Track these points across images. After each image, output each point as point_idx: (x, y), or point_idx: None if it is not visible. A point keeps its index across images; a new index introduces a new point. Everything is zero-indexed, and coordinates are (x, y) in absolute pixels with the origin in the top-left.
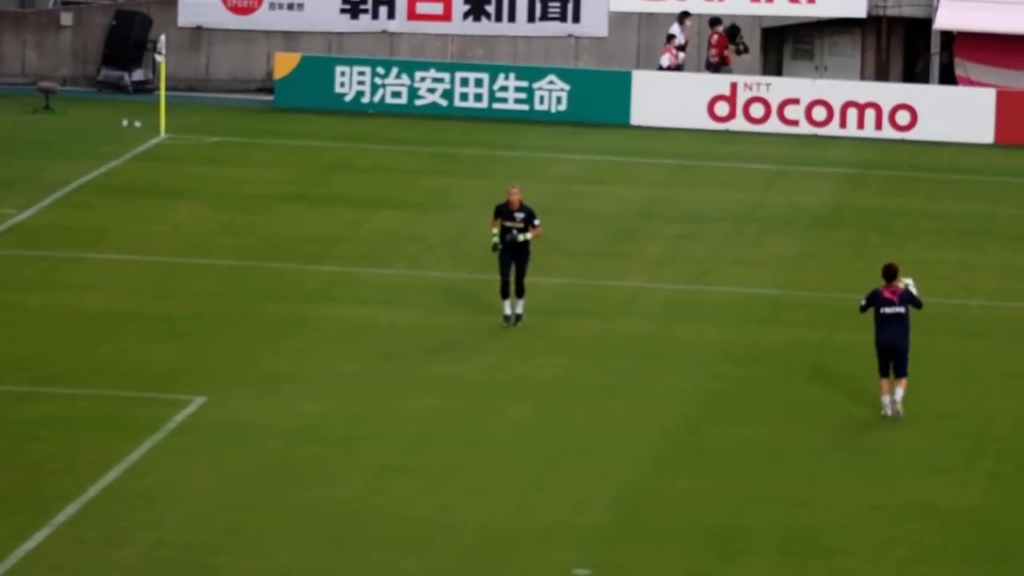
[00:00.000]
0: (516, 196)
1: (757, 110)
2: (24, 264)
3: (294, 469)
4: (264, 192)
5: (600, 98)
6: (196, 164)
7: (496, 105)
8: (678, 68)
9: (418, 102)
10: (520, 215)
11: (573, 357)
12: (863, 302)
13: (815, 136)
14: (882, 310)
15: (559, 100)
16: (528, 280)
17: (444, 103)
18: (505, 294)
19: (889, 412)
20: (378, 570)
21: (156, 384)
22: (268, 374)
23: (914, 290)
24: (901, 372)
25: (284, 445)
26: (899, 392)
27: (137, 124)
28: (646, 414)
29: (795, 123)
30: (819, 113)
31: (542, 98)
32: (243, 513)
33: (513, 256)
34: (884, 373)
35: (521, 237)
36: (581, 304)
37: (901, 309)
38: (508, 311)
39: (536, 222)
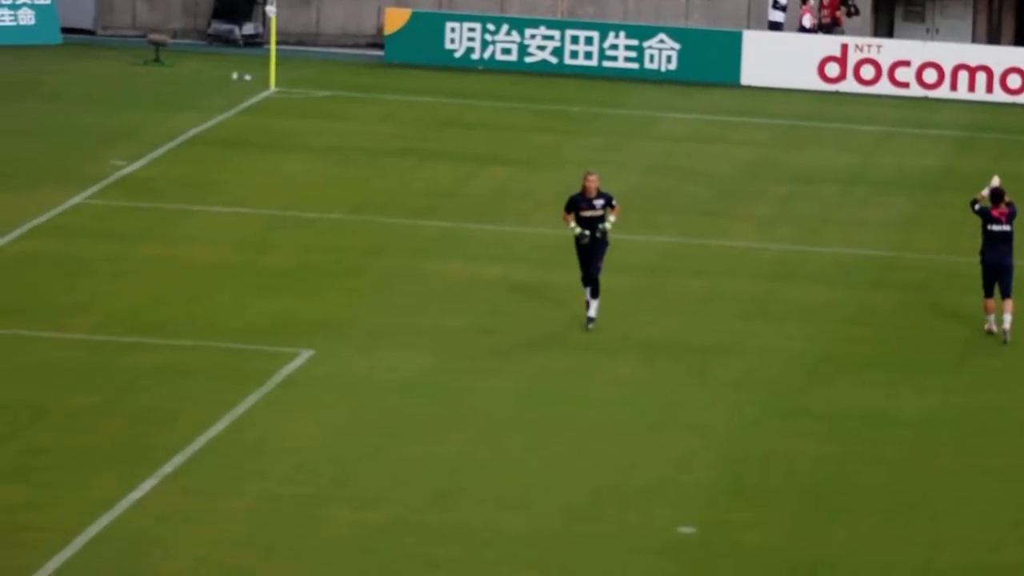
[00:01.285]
0: (594, 182)
1: (867, 72)
2: (132, 215)
3: (400, 423)
4: (373, 147)
5: (710, 58)
6: (305, 118)
7: (606, 63)
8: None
9: (528, 59)
10: (599, 202)
11: (679, 316)
12: (976, 207)
13: (925, 98)
14: (990, 227)
15: (669, 59)
16: (635, 238)
17: (554, 60)
18: (589, 283)
19: (995, 329)
20: (482, 525)
21: (263, 337)
22: (375, 328)
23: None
24: (1007, 292)
25: (390, 399)
26: (1007, 319)
27: (247, 77)
28: (752, 373)
29: (905, 85)
30: (930, 75)
31: (652, 57)
32: (349, 466)
33: (593, 250)
34: (989, 293)
35: (608, 225)
36: (688, 263)
37: (1008, 228)
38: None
39: (614, 203)
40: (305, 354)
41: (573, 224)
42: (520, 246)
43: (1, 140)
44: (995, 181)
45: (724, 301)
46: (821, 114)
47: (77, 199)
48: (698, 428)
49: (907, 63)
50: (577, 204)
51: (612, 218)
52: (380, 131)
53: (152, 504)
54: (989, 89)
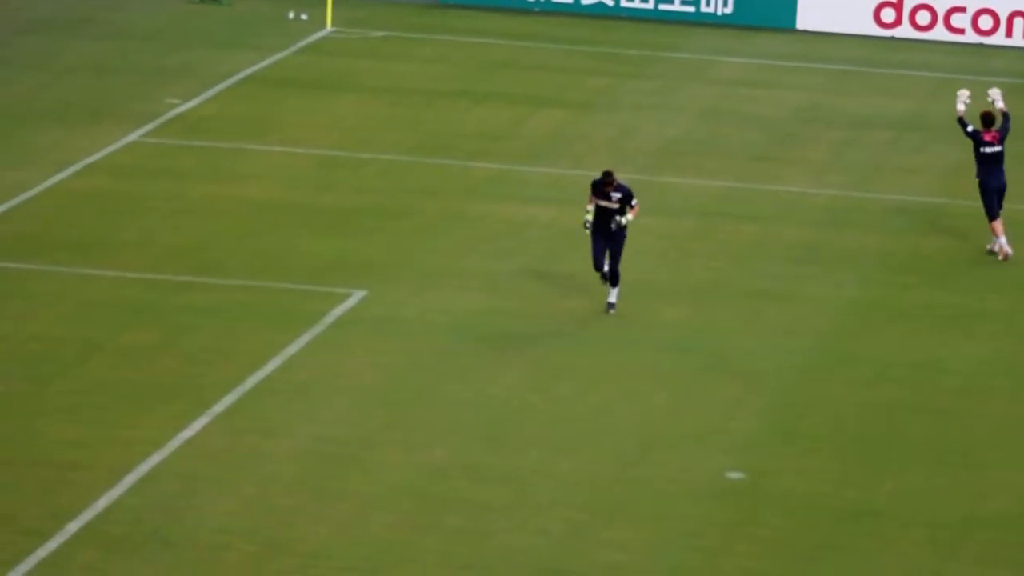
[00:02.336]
0: (611, 176)
1: (923, 17)
2: (187, 153)
3: (451, 365)
4: (428, 88)
5: (766, 2)
6: (361, 58)
7: (662, 6)
8: None
9: (584, 1)
10: (616, 195)
11: (730, 260)
12: (969, 128)
13: (981, 45)
14: (983, 150)
15: (725, 3)
16: (692, 183)
17: (610, 3)
18: (599, 268)
19: (1009, 251)
20: (532, 468)
21: (315, 277)
22: (427, 270)
23: (1000, 102)
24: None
25: (441, 341)
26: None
27: (304, 16)
28: (801, 320)
29: (961, 31)
30: (985, 22)
31: (709, 0)
32: (399, 408)
33: (607, 239)
34: (995, 215)
35: (624, 221)
36: (740, 207)
37: (1000, 148)
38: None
39: (633, 202)
40: (357, 295)
41: (590, 208)
42: (574, 189)
43: (58, 78)
44: (995, 97)
45: (775, 247)
46: (876, 60)
47: (132, 137)
48: (747, 374)
49: (963, 9)
50: (597, 188)
51: (630, 216)
52: (435, 72)
53: (203, 443)
54: None
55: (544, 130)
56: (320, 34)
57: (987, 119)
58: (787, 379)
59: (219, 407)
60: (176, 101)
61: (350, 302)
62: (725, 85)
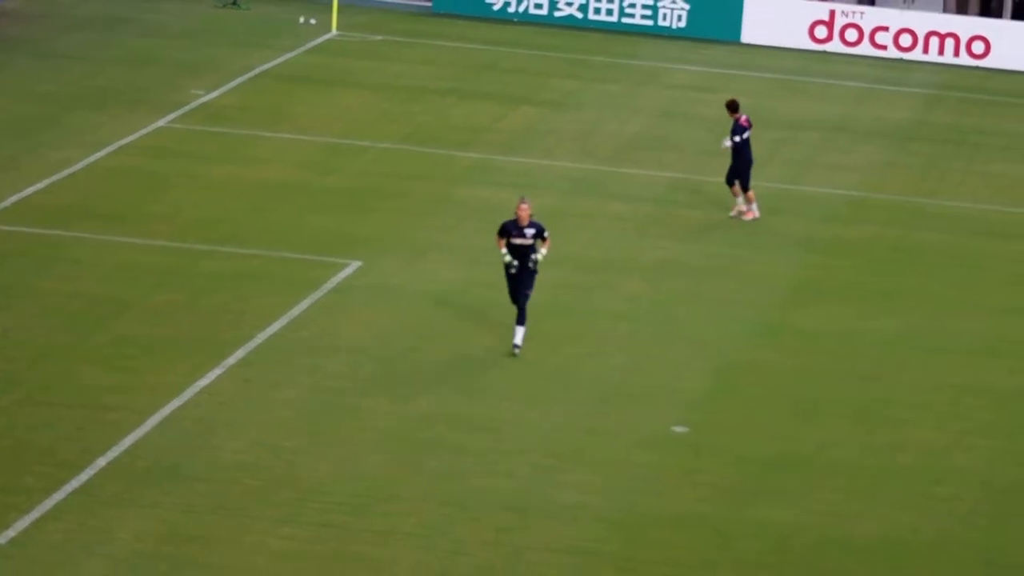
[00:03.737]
0: (525, 211)
1: (851, 35)
2: (209, 139)
3: (434, 328)
4: (420, 86)
5: (715, 17)
6: (361, 58)
7: (624, 19)
8: None
9: (557, 13)
10: (530, 231)
11: (680, 241)
12: (740, 133)
13: (901, 60)
14: (746, 135)
15: (679, 17)
16: (648, 174)
17: (580, 15)
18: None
19: (757, 214)
20: (504, 419)
21: (319, 248)
22: (416, 244)
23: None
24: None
25: (426, 307)
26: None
27: (312, 21)
28: (742, 294)
29: (884, 48)
30: (905, 40)
31: (665, 15)
32: (389, 364)
33: (520, 275)
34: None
35: (540, 257)
36: (689, 196)
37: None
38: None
39: (546, 234)
40: (354, 265)
41: (504, 251)
42: (544, 177)
43: (99, 69)
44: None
45: (719, 230)
46: (809, 70)
47: (161, 123)
48: (694, 340)
49: (886, 28)
50: (508, 231)
51: (543, 251)
52: (426, 72)
53: (217, 391)
54: (956, 53)
55: (520, 125)
56: (326, 37)
57: (734, 106)
58: (729, 345)
59: (232, 360)
60: (201, 92)
61: (347, 271)
62: (678, 89)
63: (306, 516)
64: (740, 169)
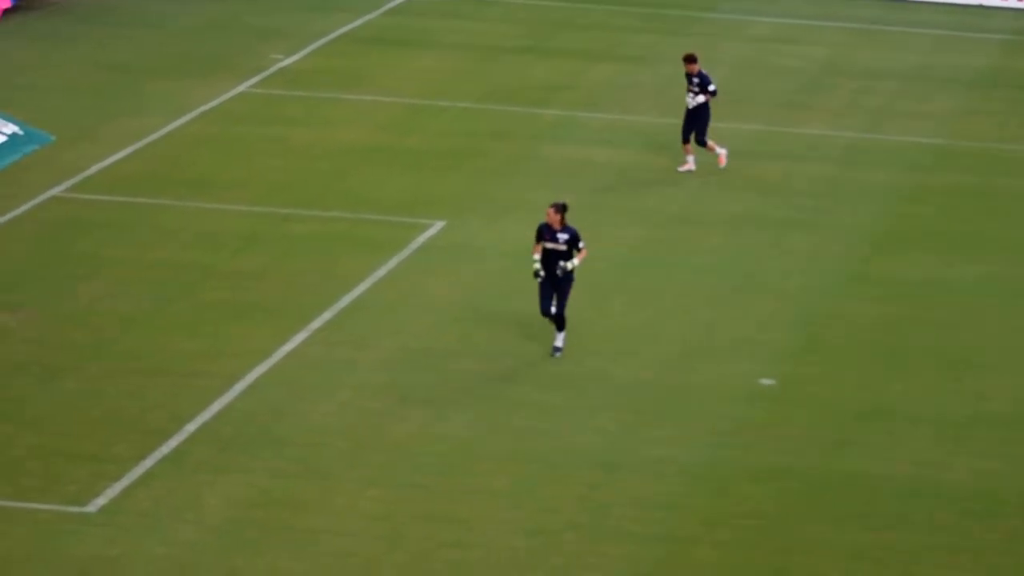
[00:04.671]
0: (554, 216)
1: None
2: (289, 103)
3: (517, 287)
4: (497, 44)
5: None
6: (438, 19)
7: None
8: None
9: None
10: (563, 236)
11: (761, 194)
12: (711, 87)
13: (980, 6)
14: (713, 87)
15: None
16: (729, 127)
17: None
18: (546, 312)
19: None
20: (589, 375)
21: (402, 209)
22: (498, 202)
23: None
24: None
25: (509, 265)
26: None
27: None
28: (823, 245)
29: None
30: None
31: None
32: (473, 323)
33: (554, 282)
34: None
35: (570, 266)
36: (769, 148)
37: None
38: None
39: (580, 244)
40: (438, 225)
41: (537, 257)
42: (624, 133)
43: (177, 36)
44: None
45: (800, 182)
46: (887, 19)
47: (241, 88)
48: (776, 292)
49: None
50: (542, 234)
51: (576, 261)
52: (504, 31)
53: (303, 355)
54: None
55: (599, 81)
56: None
57: (693, 58)
58: (813, 297)
59: (317, 323)
60: (279, 57)
61: (431, 231)
62: (757, 41)
63: (395, 477)
64: (704, 122)
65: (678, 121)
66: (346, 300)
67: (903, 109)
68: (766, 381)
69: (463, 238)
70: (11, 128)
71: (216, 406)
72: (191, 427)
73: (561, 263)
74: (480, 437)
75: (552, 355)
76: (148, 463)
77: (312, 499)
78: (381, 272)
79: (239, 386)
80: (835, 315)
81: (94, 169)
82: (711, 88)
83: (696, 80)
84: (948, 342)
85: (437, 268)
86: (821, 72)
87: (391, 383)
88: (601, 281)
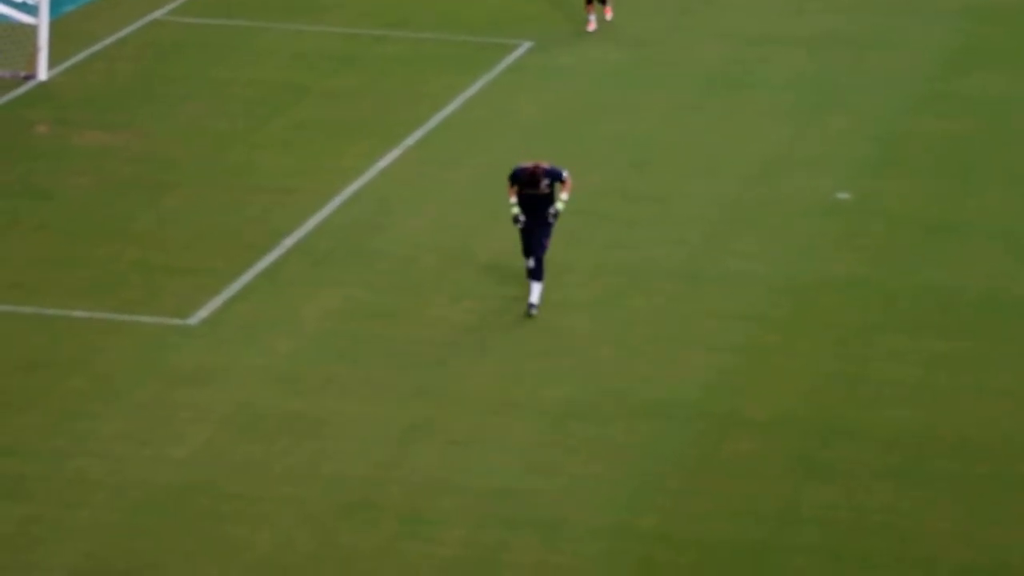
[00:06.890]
0: (536, 167)
1: None
2: None
3: (602, 105)
4: None
5: None
6: None
7: None
8: None
9: None
10: (545, 181)
11: (842, 12)
12: None
13: None
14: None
15: None
16: None
17: None
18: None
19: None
20: (671, 191)
21: (491, 30)
22: (585, 23)
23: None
24: None
25: (595, 86)
26: None
27: None
28: (901, 63)
29: None
30: None
31: None
32: (561, 141)
33: (535, 224)
34: None
35: (561, 207)
36: None
37: None
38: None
39: (564, 175)
40: (526, 45)
41: (513, 200)
42: None
43: None
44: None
45: (880, 2)
46: None
47: None
48: (855, 109)
49: None
50: (520, 179)
51: (564, 196)
52: None
53: (395, 172)
54: None
55: None
56: None
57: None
58: (888, 114)
59: (409, 141)
60: None
61: (519, 51)
62: None
63: (484, 289)
64: None
65: None
66: (436, 119)
67: None
68: (843, 195)
69: (550, 59)
70: None
71: (311, 222)
72: (288, 241)
73: (550, 209)
74: (566, 249)
75: (528, 313)
76: (246, 277)
77: (404, 311)
78: (471, 91)
79: (334, 202)
80: (911, 131)
81: None
82: None
83: None
84: (1020, 159)
85: (524, 88)
86: None
87: (478, 198)
88: (683, 100)
